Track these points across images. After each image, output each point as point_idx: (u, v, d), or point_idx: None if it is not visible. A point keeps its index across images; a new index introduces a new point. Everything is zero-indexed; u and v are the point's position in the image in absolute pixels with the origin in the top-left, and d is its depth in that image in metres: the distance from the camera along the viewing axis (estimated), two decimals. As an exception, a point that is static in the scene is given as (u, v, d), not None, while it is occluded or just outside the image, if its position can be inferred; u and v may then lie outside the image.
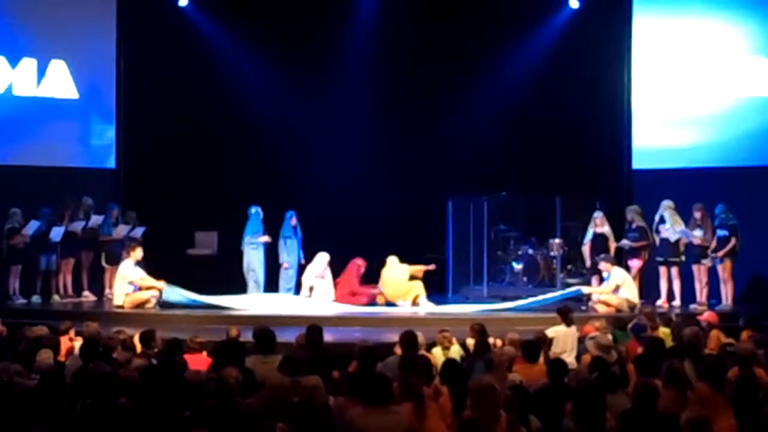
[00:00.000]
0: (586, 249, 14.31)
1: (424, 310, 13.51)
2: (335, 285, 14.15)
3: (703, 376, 6.75)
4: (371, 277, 14.26)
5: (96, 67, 15.69)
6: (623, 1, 15.64)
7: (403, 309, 13.56)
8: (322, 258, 14.11)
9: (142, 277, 13.23)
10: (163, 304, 13.21)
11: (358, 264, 14.20)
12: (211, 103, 16.11)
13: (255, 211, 14.45)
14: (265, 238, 14.39)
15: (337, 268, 14.31)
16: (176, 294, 13.23)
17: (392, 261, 14.03)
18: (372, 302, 13.94)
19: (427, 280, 14.21)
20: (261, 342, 8.06)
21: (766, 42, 14.82)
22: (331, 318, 12.38)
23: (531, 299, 13.36)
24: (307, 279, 14.11)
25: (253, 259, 14.39)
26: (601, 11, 15.70)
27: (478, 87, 15.88)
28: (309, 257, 14.30)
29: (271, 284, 14.47)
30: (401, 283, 13.91)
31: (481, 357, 8.20)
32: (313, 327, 8.84)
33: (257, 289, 14.34)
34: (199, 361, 8.03)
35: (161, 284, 13.21)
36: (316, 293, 13.99)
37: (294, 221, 14.43)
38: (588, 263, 14.32)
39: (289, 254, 14.38)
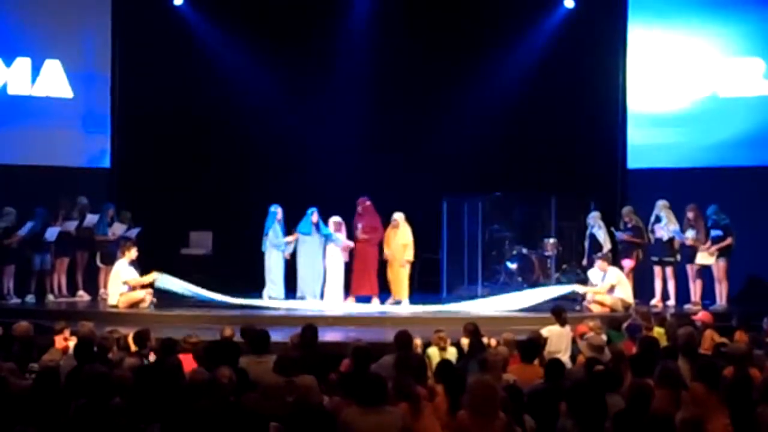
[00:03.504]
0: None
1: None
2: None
3: (697, 376, 6.76)
4: None
5: (91, 67, 15.67)
6: (618, 1, 15.66)
7: (398, 309, 13.53)
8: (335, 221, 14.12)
9: (135, 278, 13.23)
10: (158, 293, 13.19)
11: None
12: (206, 103, 16.10)
13: (273, 210, 14.17)
14: (291, 238, 14.13)
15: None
16: (171, 282, 13.22)
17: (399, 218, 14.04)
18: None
19: (422, 280, 14.19)
20: (254, 342, 8.06)
21: (760, 43, 14.86)
22: (326, 318, 12.38)
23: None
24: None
25: (274, 259, 14.12)
26: (596, 11, 15.70)
27: (472, 87, 15.88)
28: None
29: (291, 284, 14.21)
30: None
31: (475, 357, 8.19)
32: (308, 327, 8.83)
33: (274, 289, 14.02)
34: (190, 362, 8.00)
35: (153, 275, 13.18)
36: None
37: (316, 217, 14.11)
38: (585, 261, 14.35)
39: (305, 251, 14.08)
